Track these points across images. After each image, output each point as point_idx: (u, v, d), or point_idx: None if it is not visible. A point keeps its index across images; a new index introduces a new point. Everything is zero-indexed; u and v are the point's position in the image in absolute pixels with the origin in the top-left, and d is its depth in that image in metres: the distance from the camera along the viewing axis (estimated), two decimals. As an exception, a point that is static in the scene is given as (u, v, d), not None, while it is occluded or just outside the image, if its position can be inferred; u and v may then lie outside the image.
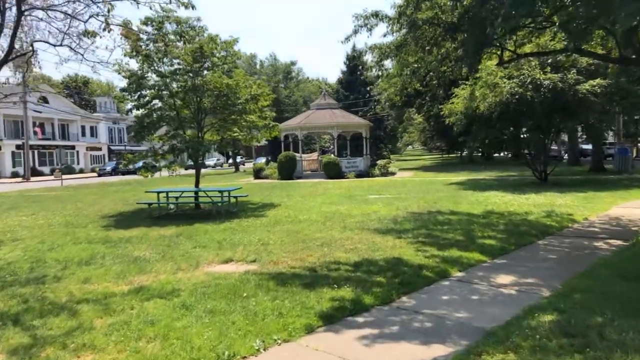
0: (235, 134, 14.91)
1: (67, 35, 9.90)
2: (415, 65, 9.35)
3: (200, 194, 13.69)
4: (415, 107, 13.77)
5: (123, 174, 43.07)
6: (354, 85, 48.50)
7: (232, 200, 13.40)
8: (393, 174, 27.37)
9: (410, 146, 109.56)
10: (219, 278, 5.83)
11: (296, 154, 28.75)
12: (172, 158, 13.23)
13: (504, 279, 5.64)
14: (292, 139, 31.89)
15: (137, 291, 5.37)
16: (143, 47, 12.95)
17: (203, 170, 52.56)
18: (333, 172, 25.94)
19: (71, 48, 10.31)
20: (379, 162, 28.43)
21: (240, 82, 13.09)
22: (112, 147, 64.70)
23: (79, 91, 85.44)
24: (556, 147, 38.74)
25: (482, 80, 10.39)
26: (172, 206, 13.48)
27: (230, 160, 58.39)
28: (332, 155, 29.61)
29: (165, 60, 13.08)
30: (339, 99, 44.01)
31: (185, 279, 5.93)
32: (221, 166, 62.58)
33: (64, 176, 42.95)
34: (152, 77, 13.30)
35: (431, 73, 9.89)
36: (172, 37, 13.34)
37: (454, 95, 17.09)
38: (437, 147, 68.04)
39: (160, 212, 12.86)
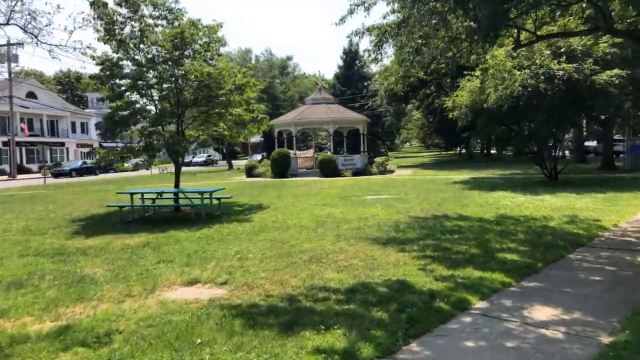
0: (220, 130, 13.59)
1: (14, 11, 8.59)
2: (420, 45, 8.01)
3: (180, 195, 12.36)
4: (418, 98, 12.36)
5: (88, 174, 40.39)
6: (351, 80, 47.14)
7: (215, 202, 12.08)
8: (392, 172, 26.08)
9: (408, 143, 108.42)
10: (173, 311, 4.52)
11: (290, 151, 27.43)
12: (146, 157, 11.84)
13: (541, 312, 4.35)
14: (287, 136, 30.56)
15: (58, 333, 4.05)
16: (117, 31, 11.60)
17: (194, 168, 51.48)
18: (329, 170, 24.63)
19: (22, 28, 9.00)
20: (376, 159, 27.14)
21: (224, 71, 11.73)
22: (104, 145, 63.17)
23: (71, 87, 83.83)
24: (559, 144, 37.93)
25: (494, 69, 9.13)
26: (148, 209, 12.14)
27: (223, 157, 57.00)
28: (329, 152, 28.28)
29: (142, 47, 11.70)
30: (336, 94, 42.67)
31: (131, 311, 4.62)
32: (215, 163, 61.14)
33: (51, 173, 41.65)
34: (129, 65, 11.93)
35: (438, 57, 8.57)
36: (149, 21, 11.99)
37: (459, 87, 15.78)
38: (435, 144, 66.93)
39: (134, 215, 11.54)
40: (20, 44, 38.22)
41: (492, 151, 42.78)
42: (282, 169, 25.37)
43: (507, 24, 7.20)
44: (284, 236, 8.37)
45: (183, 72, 11.16)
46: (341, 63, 48.75)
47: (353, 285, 5.22)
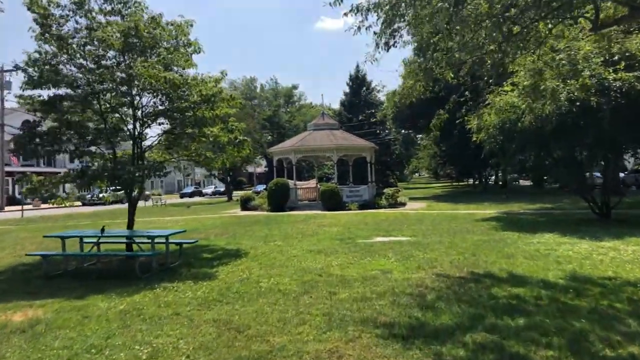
0: (192, 154, 10.87)
1: None
2: (447, 28, 5.29)
3: (137, 238, 9.47)
4: (449, 105, 9.60)
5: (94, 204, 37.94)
6: (357, 107, 44.76)
7: (174, 247, 9.20)
8: (403, 204, 23.08)
9: (417, 174, 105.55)
10: None
11: (290, 181, 24.62)
12: (78, 186, 8.97)
13: None
14: (287, 164, 27.85)
15: None
16: (54, 27, 9.07)
17: (195, 199, 48.71)
18: (332, 202, 21.70)
19: None
20: (386, 190, 24.18)
21: (190, 79, 9.07)
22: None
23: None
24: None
25: (565, 54, 6.45)
26: (90, 258, 9.23)
27: (222, 189, 54.36)
28: (332, 182, 25.41)
29: (90, 48, 9.10)
30: (342, 121, 40.31)
31: None
32: (220, 194, 58.46)
33: (42, 205, 39.14)
34: (70, 69, 9.32)
35: (480, 44, 5.82)
36: (100, 17, 9.48)
37: (485, 104, 13.00)
38: (447, 175, 63.88)
39: (67, 266, 8.67)
40: (15, 70, 36.84)
41: (516, 182, 39.74)
42: (280, 201, 22.49)
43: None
44: (245, 315, 5.40)
45: (131, 76, 8.47)
46: (347, 89, 46.56)
47: None
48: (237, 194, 41.42)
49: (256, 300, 6.02)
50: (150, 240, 8.47)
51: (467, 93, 10.03)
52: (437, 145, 39.01)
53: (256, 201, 24.64)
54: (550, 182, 15.30)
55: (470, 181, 54.51)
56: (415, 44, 6.80)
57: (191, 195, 53.88)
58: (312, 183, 30.02)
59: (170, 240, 8.89)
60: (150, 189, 72.69)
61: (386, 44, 5.69)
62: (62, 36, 8.95)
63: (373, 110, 42.92)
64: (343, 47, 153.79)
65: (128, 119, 9.66)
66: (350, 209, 21.12)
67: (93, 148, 9.29)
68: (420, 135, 62.75)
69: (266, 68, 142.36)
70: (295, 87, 75.40)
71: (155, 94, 8.77)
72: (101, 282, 7.52)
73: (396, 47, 5.78)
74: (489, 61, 7.14)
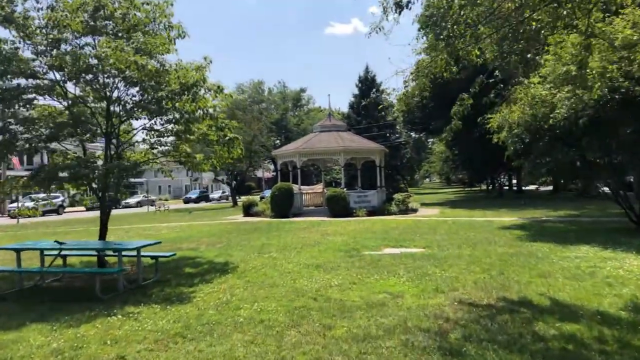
0: (180, 154, 9.63)
1: None
2: None
3: (106, 251, 8.21)
4: (474, 88, 8.27)
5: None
6: (366, 110, 43.28)
7: (150, 260, 7.93)
8: (414, 211, 21.60)
9: (427, 179, 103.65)
10: None
11: (295, 186, 23.29)
12: (41, 192, 7.78)
13: None
14: (292, 168, 26.56)
15: None
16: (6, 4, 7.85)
17: (198, 205, 47.43)
18: (338, 208, 20.30)
19: None
20: (396, 196, 22.69)
21: (167, 66, 7.81)
22: (108, 179, 60.23)
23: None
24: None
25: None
26: (55, 274, 7.99)
27: (227, 193, 53.17)
28: (339, 187, 24.03)
29: (48, 30, 7.90)
30: (350, 124, 38.92)
31: None
32: (227, 199, 57.30)
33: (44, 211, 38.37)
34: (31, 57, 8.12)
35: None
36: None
37: (508, 100, 11.53)
38: (459, 180, 62.01)
39: (22, 285, 7.44)
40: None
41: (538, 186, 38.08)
42: (283, 207, 21.14)
43: None
44: (211, 359, 4.08)
45: (99, 59, 7.22)
46: (356, 91, 45.10)
47: None
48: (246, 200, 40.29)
49: (229, 336, 4.69)
50: (117, 253, 7.17)
51: (496, 73, 8.56)
52: (450, 148, 37.43)
53: (259, 207, 23.34)
54: (578, 187, 13.75)
55: (484, 186, 52.73)
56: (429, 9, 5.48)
57: (197, 200, 52.51)
58: (319, 188, 28.67)
59: (144, 253, 7.61)
60: (158, 193, 72.07)
61: (397, 3, 4.36)
62: (9, 17, 7.66)
63: (383, 113, 41.42)
64: (352, 52, 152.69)
65: (99, 112, 8.42)
66: (358, 216, 19.72)
67: (55, 145, 8.05)
68: (432, 140, 61.16)
69: (275, 72, 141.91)
70: (303, 90, 74.39)
71: (126, 83, 7.52)
72: (55, 305, 6.25)
73: (409, 8, 4.46)
74: (519, 38, 5.79)
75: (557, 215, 16.93)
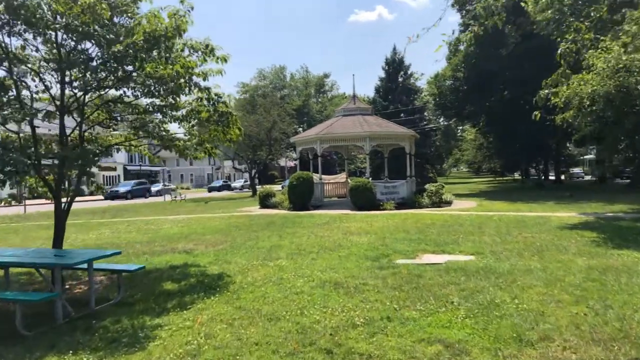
0: (158, 133, 7.62)
1: None
2: None
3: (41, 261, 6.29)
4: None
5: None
6: (394, 94, 40.62)
7: (109, 274, 5.96)
8: (449, 203, 19.21)
9: (455, 168, 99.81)
10: None
11: (315, 175, 21.16)
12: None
13: None
14: (312, 156, 24.44)
15: None
16: None
17: (217, 194, 45.89)
18: (363, 199, 18.08)
19: None
20: (427, 186, 20.29)
21: (124, 4, 5.73)
22: (129, 168, 59.75)
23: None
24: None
25: None
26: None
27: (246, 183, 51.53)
28: (364, 177, 21.77)
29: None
30: (376, 109, 36.42)
31: None
32: (249, 188, 55.90)
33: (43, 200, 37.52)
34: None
35: None
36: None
37: (583, 67, 9.01)
38: (490, 169, 58.58)
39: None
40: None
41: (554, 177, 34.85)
42: (302, 198, 19.07)
43: None
44: None
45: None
46: (383, 74, 42.36)
47: None
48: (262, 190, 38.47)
49: None
50: (59, 269, 5.20)
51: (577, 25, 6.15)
52: (485, 135, 34.52)
53: (277, 198, 21.34)
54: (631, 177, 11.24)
55: (516, 176, 49.42)
56: None
57: (220, 189, 51.74)
58: (342, 177, 26.48)
59: (100, 266, 5.64)
60: (180, 182, 71.25)
61: None
62: None
63: (412, 97, 38.65)
64: (377, 39, 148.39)
65: (56, 79, 6.44)
66: (385, 209, 17.48)
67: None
68: (461, 127, 57.78)
69: (298, 58, 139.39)
70: (327, 75, 71.96)
71: (69, 32, 5.48)
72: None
73: None
74: None
75: (624, 209, 14.27)
